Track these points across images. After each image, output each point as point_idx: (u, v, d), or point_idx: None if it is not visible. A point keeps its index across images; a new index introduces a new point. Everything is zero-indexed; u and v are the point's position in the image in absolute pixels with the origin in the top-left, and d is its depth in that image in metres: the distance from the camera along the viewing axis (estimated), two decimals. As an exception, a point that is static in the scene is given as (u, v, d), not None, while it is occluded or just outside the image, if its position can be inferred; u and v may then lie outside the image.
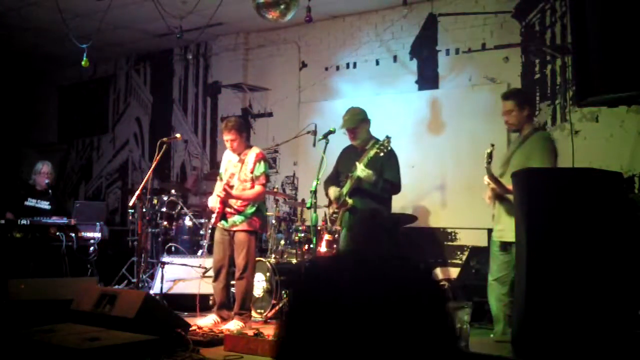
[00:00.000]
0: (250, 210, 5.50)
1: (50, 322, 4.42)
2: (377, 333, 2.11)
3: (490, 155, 4.38)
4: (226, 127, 5.49)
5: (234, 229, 5.50)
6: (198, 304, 5.80)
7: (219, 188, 5.64)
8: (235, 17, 7.82)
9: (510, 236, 4.40)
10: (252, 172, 5.48)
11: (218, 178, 5.81)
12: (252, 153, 5.55)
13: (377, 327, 2.12)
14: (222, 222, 5.53)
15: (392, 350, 2.16)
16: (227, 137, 5.51)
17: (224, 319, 5.55)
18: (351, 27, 7.89)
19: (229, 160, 5.69)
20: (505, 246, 4.48)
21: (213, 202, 5.56)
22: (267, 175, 5.58)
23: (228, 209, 5.50)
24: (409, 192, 6.79)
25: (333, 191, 5.16)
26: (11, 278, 5.52)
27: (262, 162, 5.51)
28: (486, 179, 4.43)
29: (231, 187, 5.48)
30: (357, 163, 4.86)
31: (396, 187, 5.05)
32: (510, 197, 4.37)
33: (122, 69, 10.21)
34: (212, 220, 5.63)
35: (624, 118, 6.10)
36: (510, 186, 4.29)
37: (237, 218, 5.49)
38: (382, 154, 4.82)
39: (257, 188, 5.48)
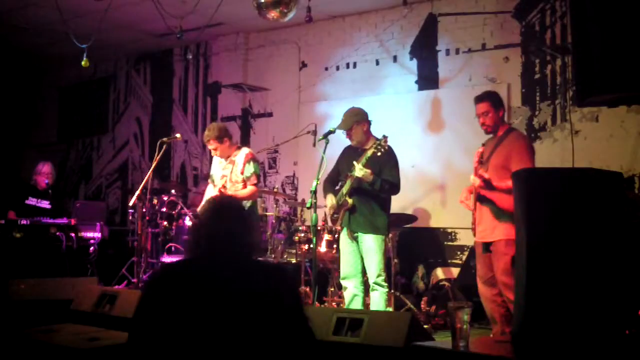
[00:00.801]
0: None
1: (50, 322, 4.41)
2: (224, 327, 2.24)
3: (482, 155, 4.37)
4: (205, 139, 5.62)
5: None
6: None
7: (210, 191, 5.69)
8: (235, 17, 7.82)
9: (491, 236, 4.42)
10: (242, 173, 5.51)
11: (209, 180, 5.84)
12: (242, 154, 5.59)
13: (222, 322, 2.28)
14: None
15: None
16: (209, 147, 5.65)
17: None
18: (351, 27, 7.89)
19: (219, 162, 5.75)
20: (487, 247, 4.49)
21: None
22: (258, 175, 5.63)
23: None
24: (409, 192, 6.79)
25: (330, 199, 5.15)
26: (11, 278, 5.52)
27: (251, 162, 5.55)
28: (472, 177, 4.43)
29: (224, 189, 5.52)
30: (354, 162, 4.86)
31: (395, 187, 5.04)
32: (494, 197, 4.38)
33: (122, 69, 10.21)
34: None
35: (624, 118, 6.10)
36: (496, 184, 4.30)
37: None
38: (379, 154, 4.81)
39: (250, 188, 5.52)
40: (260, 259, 2.40)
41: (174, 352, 2.12)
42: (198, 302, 2.16)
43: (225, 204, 2.51)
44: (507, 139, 4.51)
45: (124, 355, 2.30)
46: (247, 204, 5.54)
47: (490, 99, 4.59)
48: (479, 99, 4.63)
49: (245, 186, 5.51)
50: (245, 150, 5.64)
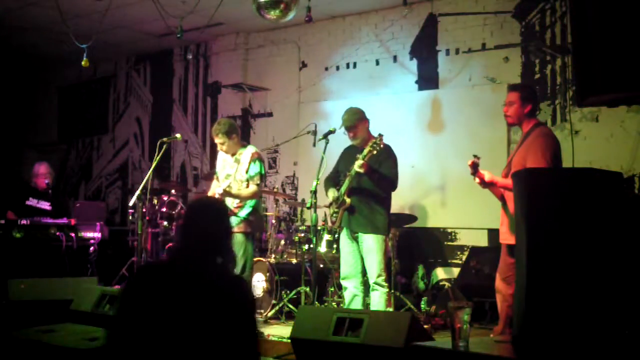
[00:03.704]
0: (245, 211, 5.50)
1: (50, 322, 4.42)
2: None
3: (473, 166, 4.33)
4: (214, 132, 5.52)
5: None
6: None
7: (214, 188, 5.68)
8: (235, 17, 7.82)
9: (512, 239, 4.39)
10: (246, 172, 5.48)
11: (215, 177, 5.82)
12: (247, 153, 5.54)
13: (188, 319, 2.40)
14: None
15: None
16: (217, 141, 5.56)
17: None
18: (351, 27, 7.89)
19: (224, 159, 5.70)
20: (511, 249, 4.46)
21: None
22: (262, 175, 5.55)
23: None
24: (409, 192, 6.80)
25: (332, 192, 5.17)
26: (11, 278, 5.52)
27: (256, 162, 5.49)
28: (475, 179, 4.40)
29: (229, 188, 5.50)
30: (358, 155, 4.87)
31: (391, 182, 5.04)
32: (509, 202, 4.37)
33: (122, 69, 10.22)
34: None
35: (624, 118, 6.10)
36: (499, 182, 4.29)
37: (233, 220, 5.50)
38: (375, 152, 4.82)
39: (252, 188, 5.46)
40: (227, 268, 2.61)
41: (144, 351, 2.25)
42: (162, 305, 2.34)
43: (210, 205, 2.67)
44: (530, 136, 4.43)
45: (104, 352, 2.42)
46: (250, 203, 5.52)
47: (520, 91, 4.50)
48: (510, 88, 4.56)
49: (248, 185, 5.49)
50: (251, 149, 5.58)
